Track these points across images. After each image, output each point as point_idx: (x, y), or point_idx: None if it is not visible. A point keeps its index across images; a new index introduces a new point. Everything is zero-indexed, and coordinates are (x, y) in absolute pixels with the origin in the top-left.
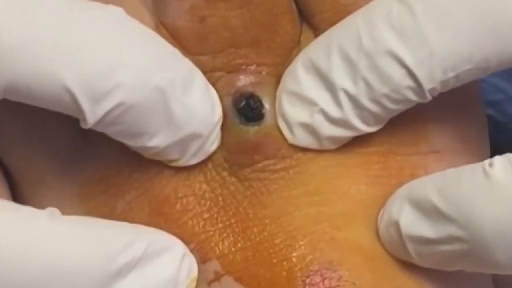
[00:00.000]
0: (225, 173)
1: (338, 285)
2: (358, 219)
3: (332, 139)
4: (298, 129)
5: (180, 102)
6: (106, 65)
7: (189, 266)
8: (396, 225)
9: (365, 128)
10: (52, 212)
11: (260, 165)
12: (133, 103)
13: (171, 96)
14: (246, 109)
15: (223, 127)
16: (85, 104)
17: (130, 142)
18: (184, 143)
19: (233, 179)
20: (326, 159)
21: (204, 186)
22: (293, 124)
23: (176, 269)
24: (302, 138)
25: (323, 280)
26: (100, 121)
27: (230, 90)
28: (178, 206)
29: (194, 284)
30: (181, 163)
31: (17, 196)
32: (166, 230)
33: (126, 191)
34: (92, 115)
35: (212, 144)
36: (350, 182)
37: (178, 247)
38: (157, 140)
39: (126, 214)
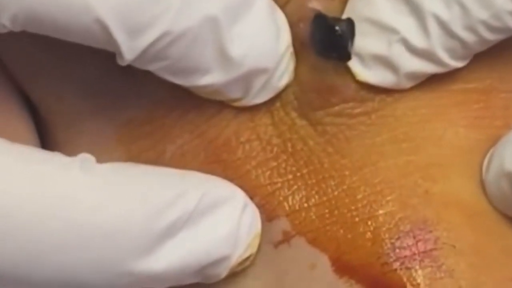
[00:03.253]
0: (294, 114)
1: (434, 249)
2: (457, 169)
3: (411, 75)
4: (371, 62)
5: (236, 32)
6: None
7: (251, 220)
8: (509, 177)
9: (452, 63)
10: (85, 160)
11: (336, 108)
12: (180, 33)
13: (225, 25)
14: (327, 39)
15: (298, 58)
16: (121, 37)
17: (179, 81)
18: (245, 79)
19: (303, 122)
20: (416, 99)
21: (270, 129)
22: (365, 56)
23: (236, 224)
24: (375, 74)
25: (416, 242)
26: (140, 57)
27: (305, 14)
28: (239, 152)
29: (257, 241)
30: (245, 102)
31: (47, 141)
32: None
33: (177, 134)
34: (130, 50)
35: (281, 78)
36: (446, 125)
37: (238, 197)
38: (211, 78)
39: (177, 160)
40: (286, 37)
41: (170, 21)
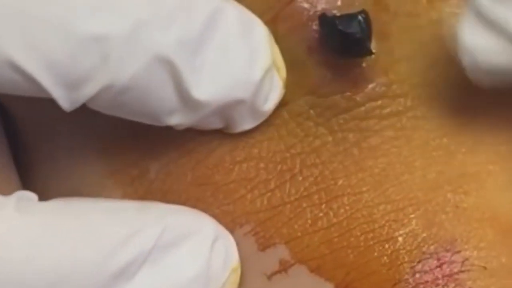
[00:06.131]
0: (310, 123)
1: (461, 271)
2: (494, 178)
3: None
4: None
5: (198, 67)
6: (79, 38)
7: (225, 254)
8: None
9: None
10: (21, 199)
11: (363, 108)
12: (125, 84)
13: (181, 64)
14: (340, 43)
15: (306, 63)
16: (57, 93)
17: (146, 121)
18: (220, 113)
19: (321, 131)
20: (453, 97)
21: (274, 144)
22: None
23: (205, 261)
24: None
25: (440, 265)
26: (89, 104)
27: (315, 5)
28: (234, 174)
29: (236, 276)
30: (232, 130)
31: (22, 149)
32: (213, 206)
33: (163, 151)
34: (69, 103)
35: (266, 102)
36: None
37: (206, 230)
38: (179, 118)
39: (162, 180)
40: (263, 58)
41: (110, 73)
